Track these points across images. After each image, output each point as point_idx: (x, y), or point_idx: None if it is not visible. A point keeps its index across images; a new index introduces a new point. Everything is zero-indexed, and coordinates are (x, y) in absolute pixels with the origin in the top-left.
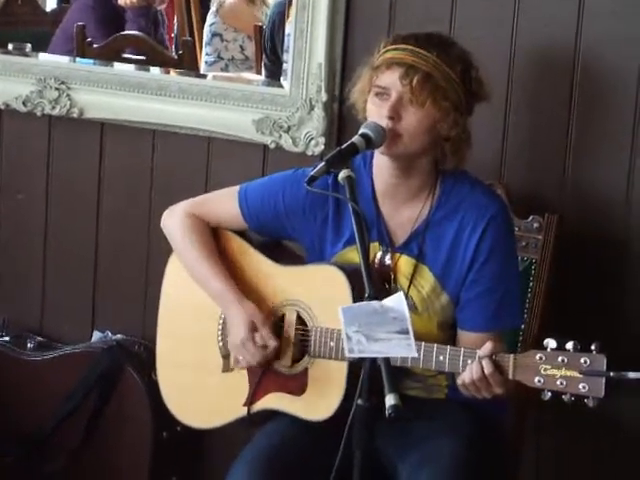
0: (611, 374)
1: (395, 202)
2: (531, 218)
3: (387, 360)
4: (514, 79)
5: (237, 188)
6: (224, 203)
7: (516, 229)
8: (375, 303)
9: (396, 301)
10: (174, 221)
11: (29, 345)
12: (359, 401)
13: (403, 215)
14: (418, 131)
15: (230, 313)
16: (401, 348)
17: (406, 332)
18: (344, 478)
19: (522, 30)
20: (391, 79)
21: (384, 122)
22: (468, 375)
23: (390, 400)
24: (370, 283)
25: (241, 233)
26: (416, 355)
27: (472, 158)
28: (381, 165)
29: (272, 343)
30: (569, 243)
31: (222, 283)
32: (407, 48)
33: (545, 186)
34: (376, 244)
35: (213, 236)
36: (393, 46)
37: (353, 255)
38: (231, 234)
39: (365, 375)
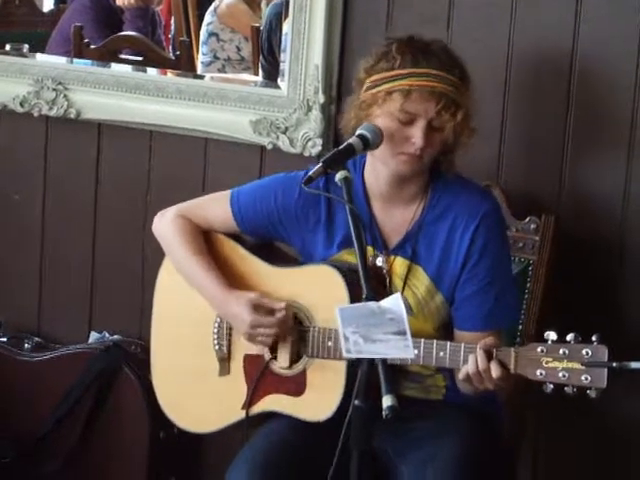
0: (613, 364)
1: (388, 205)
2: (528, 219)
3: (384, 361)
4: (511, 81)
5: (229, 192)
6: (216, 207)
7: (513, 230)
8: (372, 304)
9: (393, 302)
10: (164, 223)
11: (26, 346)
12: (356, 402)
13: (396, 218)
14: (438, 151)
15: (224, 308)
16: (398, 349)
17: (403, 333)
18: (343, 478)
19: (519, 32)
20: (421, 106)
21: (412, 148)
22: (472, 367)
23: (387, 401)
24: (368, 284)
25: (233, 236)
26: (413, 356)
27: (469, 160)
28: (378, 171)
29: (279, 304)
30: (566, 244)
31: (211, 279)
32: (434, 73)
33: (542, 187)
34: (370, 247)
35: (205, 239)
36: (416, 69)
37: (348, 258)
38: (223, 237)
39: (362, 376)
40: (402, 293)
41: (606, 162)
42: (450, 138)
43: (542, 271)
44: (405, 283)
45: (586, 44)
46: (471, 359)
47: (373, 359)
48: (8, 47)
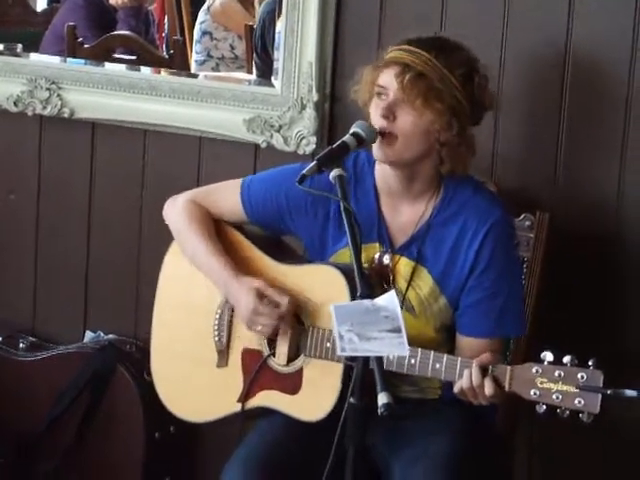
0: (608, 391)
1: (397, 204)
2: (523, 216)
3: (379, 359)
4: (505, 78)
5: (240, 180)
6: (227, 195)
7: None
8: (367, 302)
9: (388, 300)
10: (176, 208)
11: (21, 345)
12: (352, 399)
13: (405, 217)
14: (412, 133)
15: (230, 291)
16: (393, 347)
17: (398, 330)
18: (337, 476)
19: (512, 30)
20: (389, 77)
21: (379, 122)
22: (466, 382)
23: (382, 398)
24: (362, 282)
25: (242, 229)
26: (408, 354)
27: None
28: (384, 169)
29: (284, 299)
30: (560, 241)
31: (219, 262)
32: (407, 48)
33: (536, 184)
34: (376, 245)
35: (215, 230)
36: (397, 47)
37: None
38: (232, 229)
39: (358, 373)
40: (405, 293)
41: (600, 159)
42: (431, 121)
43: (537, 268)
44: (409, 284)
45: (580, 42)
46: (466, 374)
47: (368, 358)
48: (1, 47)
